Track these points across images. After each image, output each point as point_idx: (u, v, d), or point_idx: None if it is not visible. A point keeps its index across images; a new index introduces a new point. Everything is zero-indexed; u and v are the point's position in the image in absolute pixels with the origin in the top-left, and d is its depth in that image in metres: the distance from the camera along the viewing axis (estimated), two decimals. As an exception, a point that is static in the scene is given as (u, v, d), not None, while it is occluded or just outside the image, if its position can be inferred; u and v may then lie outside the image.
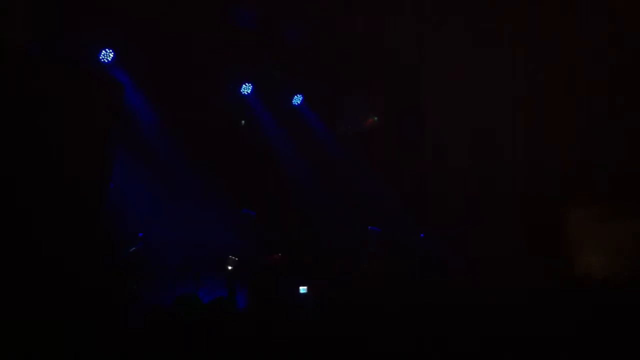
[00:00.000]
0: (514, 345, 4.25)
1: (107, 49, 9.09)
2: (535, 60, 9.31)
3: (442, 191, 10.49)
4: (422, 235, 10.66)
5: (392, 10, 9.13)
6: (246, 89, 10.78)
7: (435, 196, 10.53)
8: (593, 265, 7.63)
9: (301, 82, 11.08)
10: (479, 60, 9.50)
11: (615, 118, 8.95)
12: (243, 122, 11.17)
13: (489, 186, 9.98)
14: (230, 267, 8.91)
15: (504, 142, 9.99)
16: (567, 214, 9.11)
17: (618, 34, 8.60)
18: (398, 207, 10.82)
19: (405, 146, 11.13)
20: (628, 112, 8.88)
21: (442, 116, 10.47)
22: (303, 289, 8.73)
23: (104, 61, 9.12)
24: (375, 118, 11.67)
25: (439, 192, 10.52)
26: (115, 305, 6.70)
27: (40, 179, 7.05)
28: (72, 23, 8.35)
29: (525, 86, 9.51)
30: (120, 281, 7.52)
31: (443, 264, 8.92)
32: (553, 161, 9.49)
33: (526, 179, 9.66)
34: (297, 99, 11.34)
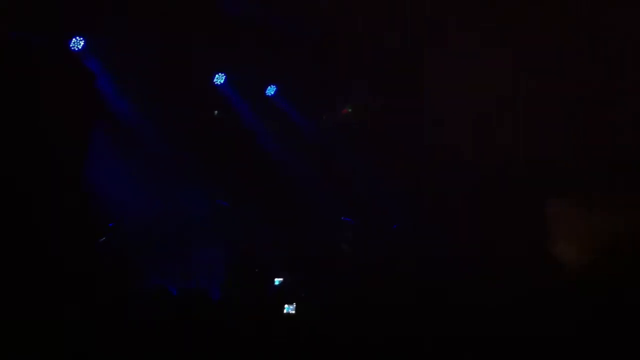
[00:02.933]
0: (513, 345, 4.29)
1: (77, 37, 8.90)
2: (533, 59, 9.40)
3: (438, 188, 10.52)
4: (394, 226, 10.71)
5: (391, 6, 9.14)
6: (219, 79, 10.68)
7: (431, 193, 10.56)
8: (593, 262, 7.67)
9: (281, 73, 11.00)
10: (476, 58, 9.55)
11: (611, 113, 9.13)
12: (216, 112, 11.07)
13: (487, 183, 10.02)
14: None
15: (503, 139, 10.06)
16: (566, 211, 9.18)
17: (616, 33, 8.75)
18: (389, 202, 10.87)
19: (400, 142, 11.16)
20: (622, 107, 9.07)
21: (438, 113, 10.50)
22: (277, 281, 8.72)
23: (74, 49, 8.92)
24: (349, 109, 11.69)
25: (434, 190, 10.55)
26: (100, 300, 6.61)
27: (15, 170, 6.92)
28: (41, 10, 8.15)
29: (526, 84, 9.58)
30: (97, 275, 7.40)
31: (440, 262, 8.91)
32: (552, 158, 9.59)
33: (525, 177, 9.74)
34: (271, 90, 11.27)
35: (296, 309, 7.28)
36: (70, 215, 7.55)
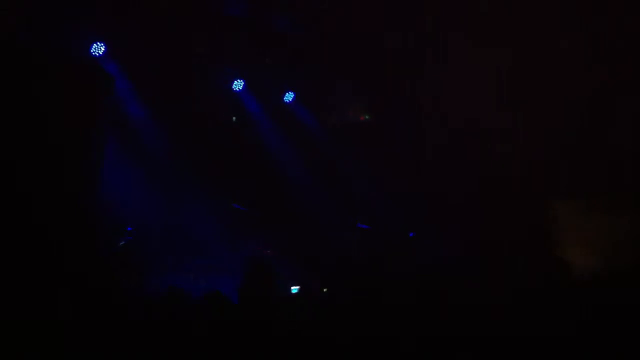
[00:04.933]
0: (513, 345, 4.24)
1: (98, 43, 9.02)
2: (533, 58, 9.36)
3: (438, 190, 10.46)
4: (411, 234, 10.64)
5: (389, 8, 9.15)
6: (238, 85, 10.75)
7: (431, 195, 10.50)
8: (591, 261, 7.60)
9: (294, 77, 11.04)
10: (476, 57, 9.53)
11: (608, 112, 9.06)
12: (234, 118, 11.14)
13: (486, 183, 9.96)
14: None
15: (500, 139, 10.01)
16: (564, 211, 9.10)
17: (616, 32, 8.69)
18: (394, 206, 10.80)
19: (401, 143, 11.13)
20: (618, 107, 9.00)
21: (436, 113, 10.47)
22: (295, 289, 8.66)
23: (95, 54, 9.04)
24: (367, 116, 11.69)
25: (434, 191, 10.49)
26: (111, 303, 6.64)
27: (28, 173, 6.95)
28: (62, 15, 8.27)
29: (523, 85, 9.53)
30: (111, 278, 7.44)
31: (440, 263, 8.86)
32: (550, 158, 9.52)
33: (523, 177, 9.67)
34: (289, 96, 11.33)
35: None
36: (85, 220, 7.58)
